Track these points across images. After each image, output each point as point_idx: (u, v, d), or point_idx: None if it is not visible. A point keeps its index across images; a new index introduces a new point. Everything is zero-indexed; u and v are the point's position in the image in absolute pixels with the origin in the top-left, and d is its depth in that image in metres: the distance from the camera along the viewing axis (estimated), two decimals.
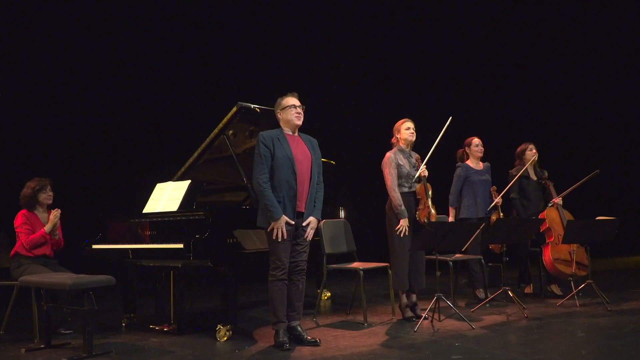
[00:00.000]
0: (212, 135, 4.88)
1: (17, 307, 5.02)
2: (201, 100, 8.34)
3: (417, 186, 4.97)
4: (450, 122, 5.01)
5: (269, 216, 4.10)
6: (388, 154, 5.05)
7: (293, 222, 4.15)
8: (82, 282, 4.08)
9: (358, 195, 8.72)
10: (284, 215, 4.10)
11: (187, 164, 5.13)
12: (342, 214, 6.13)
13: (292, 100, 4.30)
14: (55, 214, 4.96)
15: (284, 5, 9.22)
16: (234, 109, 4.69)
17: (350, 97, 9.65)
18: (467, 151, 6.15)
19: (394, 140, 5.13)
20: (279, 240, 4.10)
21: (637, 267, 9.07)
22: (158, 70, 8.29)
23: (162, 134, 8.14)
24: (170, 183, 5.11)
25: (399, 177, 4.95)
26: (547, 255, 5.84)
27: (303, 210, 4.23)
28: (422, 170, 4.94)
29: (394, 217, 4.97)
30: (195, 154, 5.05)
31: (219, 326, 4.43)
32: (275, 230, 4.09)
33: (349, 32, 9.69)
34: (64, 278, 4.17)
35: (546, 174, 6.30)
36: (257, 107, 4.72)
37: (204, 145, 4.96)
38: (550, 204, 6.08)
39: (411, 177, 4.96)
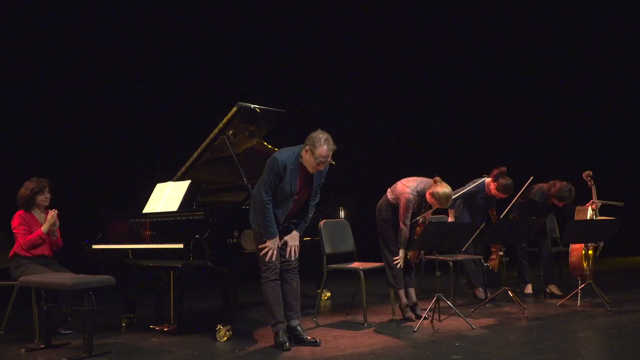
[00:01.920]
0: (212, 135, 4.88)
1: (17, 307, 5.02)
2: (201, 100, 8.34)
3: (426, 212, 4.99)
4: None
5: (264, 234, 4.14)
6: (409, 197, 4.84)
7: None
8: (82, 282, 4.08)
9: (358, 195, 8.72)
10: (277, 237, 4.15)
11: (187, 164, 5.13)
12: (342, 214, 6.13)
13: (324, 152, 4.03)
14: (52, 214, 4.95)
15: (285, 5, 9.22)
16: (234, 109, 4.69)
17: (351, 97, 9.64)
18: (495, 186, 5.82)
19: (428, 196, 4.80)
20: (267, 259, 4.14)
21: (637, 267, 9.06)
22: (158, 70, 8.29)
23: (162, 134, 8.14)
24: (170, 183, 5.11)
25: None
26: (578, 253, 5.67)
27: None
28: (427, 213, 4.98)
29: (387, 222, 5.03)
30: (195, 154, 5.05)
31: (219, 326, 4.43)
32: (267, 249, 4.13)
33: (349, 31, 9.68)
34: (64, 278, 4.17)
35: (590, 172, 5.98)
36: (257, 107, 4.72)
37: (204, 145, 4.96)
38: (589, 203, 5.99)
39: (413, 217, 4.98)
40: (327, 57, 9.47)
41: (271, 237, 4.13)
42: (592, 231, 5.38)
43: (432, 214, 5.08)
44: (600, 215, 5.94)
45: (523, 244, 6.12)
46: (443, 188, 4.71)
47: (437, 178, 4.77)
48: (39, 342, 4.53)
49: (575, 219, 5.80)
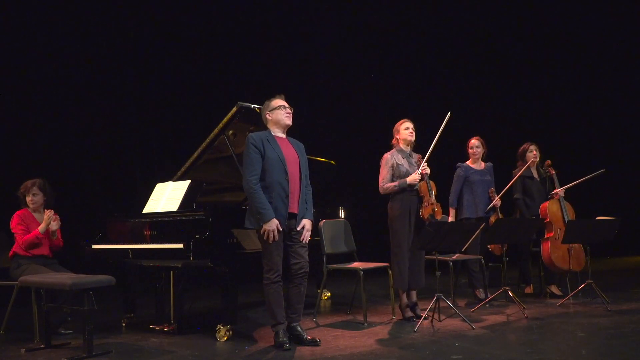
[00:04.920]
0: (212, 135, 4.88)
1: (17, 307, 5.02)
2: (201, 100, 8.34)
3: (419, 184, 4.97)
4: (449, 118, 5.01)
5: (259, 218, 4.09)
6: (386, 155, 5.08)
7: (281, 229, 4.12)
8: (82, 282, 4.08)
9: (358, 195, 8.73)
10: (274, 218, 4.08)
11: (187, 164, 5.13)
12: (342, 214, 6.13)
13: (281, 102, 4.32)
14: (48, 214, 4.96)
15: (284, 5, 9.22)
16: (234, 109, 4.69)
17: (351, 97, 9.64)
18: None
19: (394, 141, 5.15)
20: (270, 241, 4.09)
21: (637, 267, 9.07)
22: (158, 70, 8.29)
23: (162, 134, 8.14)
24: (170, 183, 5.11)
25: (398, 176, 4.96)
26: (546, 249, 5.83)
27: (295, 212, 4.22)
28: (423, 168, 4.95)
29: (395, 217, 4.97)
30: (195, 154, 5.05)
31: (219, 326, 4.43)
32: (267, 233, 4.07)
33: (348, 31, 9.69)
34: (64, 278, 4.17)
35: (549, 162, 6.23)
36: (257, 107, 4.72)
37: (204, 145, 4.96)
38: (549, 196, 6.06)
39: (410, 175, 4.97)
40: (327, 57, 9.47)
41: (266, 219, 4.05)
42: (592, 231, 5.39)
43: (430, 212, 5.05)
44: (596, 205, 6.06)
45: (527, 244, 6.13)
46: (404, 122, 5.08)
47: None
48: (39, 342, 4.53)
49: (549, 215, 5.87)
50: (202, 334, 4.65)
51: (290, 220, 4.21)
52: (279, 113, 4.28)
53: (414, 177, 4.90)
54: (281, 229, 4.12)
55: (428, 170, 4.97)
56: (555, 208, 5.95)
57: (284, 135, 4.35)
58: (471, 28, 10.22)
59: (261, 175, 4.15)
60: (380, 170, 5.04)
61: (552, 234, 5.84)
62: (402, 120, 5.13)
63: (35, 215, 5.08)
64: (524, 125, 9.84)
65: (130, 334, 4.86)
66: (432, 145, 5.00)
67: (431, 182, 5.00)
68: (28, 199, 5.07)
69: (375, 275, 5.59)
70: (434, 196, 4.99)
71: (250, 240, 4.47)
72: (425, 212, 4.93)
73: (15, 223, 4.99)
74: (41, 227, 4.94)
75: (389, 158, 5.03)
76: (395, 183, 4.94)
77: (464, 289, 6.49)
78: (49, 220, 4.94)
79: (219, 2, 8.76)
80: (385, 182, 4.99)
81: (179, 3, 8.55)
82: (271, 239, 4.08)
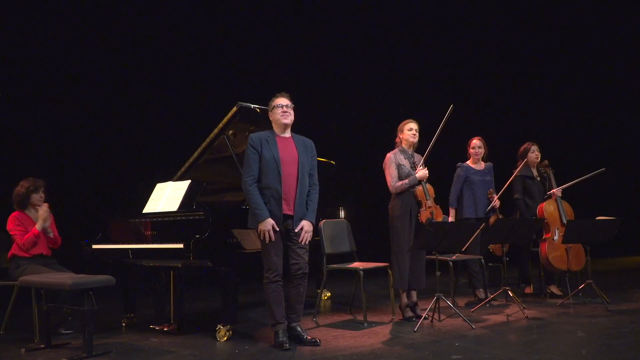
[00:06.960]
0: (212, 135, 4.88)
1: (17, 307, 5.02)
2: (201, 100, 8.34)
3: (416, 189, 4.96)
4: (451, 111, 4.97)
5: (255, 218, 4.12)
6: (388, 155, 5.06)
7: (278, 229, 4.13)
8: (82, 282, 4.08)
9: (358, 195, 8.73)
10: (269, 218, 4.09)
11: (187, 164, 5.13)
12: (342, 214, 6.13)
13: (279, 100, 4.30)
14: (45, 208, 4.97)
15: (284, 5, 9.22)
16: (234, 109, 4.69)
17: (351, 97, 9.65)
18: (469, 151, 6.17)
19: (397, 140, 5.14)
20: (267, 241, 4.10)
21: (637, 267, 9.07)
22: (158, 69, 8.29)
23: (162, 134, 8.14)
24: (170, 183, 5.11)
25: (400, 177, 4.96)
26: (544, 251, 5.83)
27: (291, 213, 4.21)
28: (421, 169, 4.95)
29: (395, 217, 4.97)
30: (195, 154, 5.05)
31: (219, 326, 4.43)
32: (262, 233, 4.09)
33: (349, 31, 9.69)
34: (64, 278, 4.17)
35: (546, 162, 6.22)
36: (257, 107, 4.72)
37: (204, 145, 4.96)
38: (546, 196, 6.06)
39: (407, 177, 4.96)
40: (327, 57, 9.47)
41: (261, 219, 4.08)
42: (592, 231, 5.38)
43: (428, 216, 5.05)
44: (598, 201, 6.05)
45: (527, 244, 6.13)
46: (408, 122, 5.07)
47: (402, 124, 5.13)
48: (39, 342, 4.53)
49: (545, 216, 5.86)
50: (202, 334, 4.64)
51: (287, 221, 4.21)
52: (276, 113, 4.28)
53: (423, 173, 4.91)
54: (277, 229, 4.13)
55: (426, 175, 4.96)
56: (552, 208, 5.93)
57: (288, 134, 4.33)
58: (472, 28, 10.22)
59: (258, 176, 4.17)
60: (388, 170, 5.01)
61: (549, 235, 5.85)
62: (407, 121, 5.11)
63: (31, 215, 5.08)
64: (524, 125, 9.83)
65: (130, 334, 4.86)
66: (432, 142, 4.98)
67: (428, 186, 4.99)
68: (36, 196, 5.06)
69: (375, 275, 5.58)
70: (431, 199, 4.98)
71: (250, 240, 4.47)
72: (423, 217, 4.93)
73: (13, 225, 4.99)
74: (38, 225, 4.97)
75: (392, 158, 5.03)
76: (406, 181, 4.93)
77: (464, 289, 6.48)
78: (45, 215, 4.96)
79: (219, 1, 8.76)
80: (395, 180, 4.97)
81: (180, 2, 8.55)
82: (267, 238, 4.09)
